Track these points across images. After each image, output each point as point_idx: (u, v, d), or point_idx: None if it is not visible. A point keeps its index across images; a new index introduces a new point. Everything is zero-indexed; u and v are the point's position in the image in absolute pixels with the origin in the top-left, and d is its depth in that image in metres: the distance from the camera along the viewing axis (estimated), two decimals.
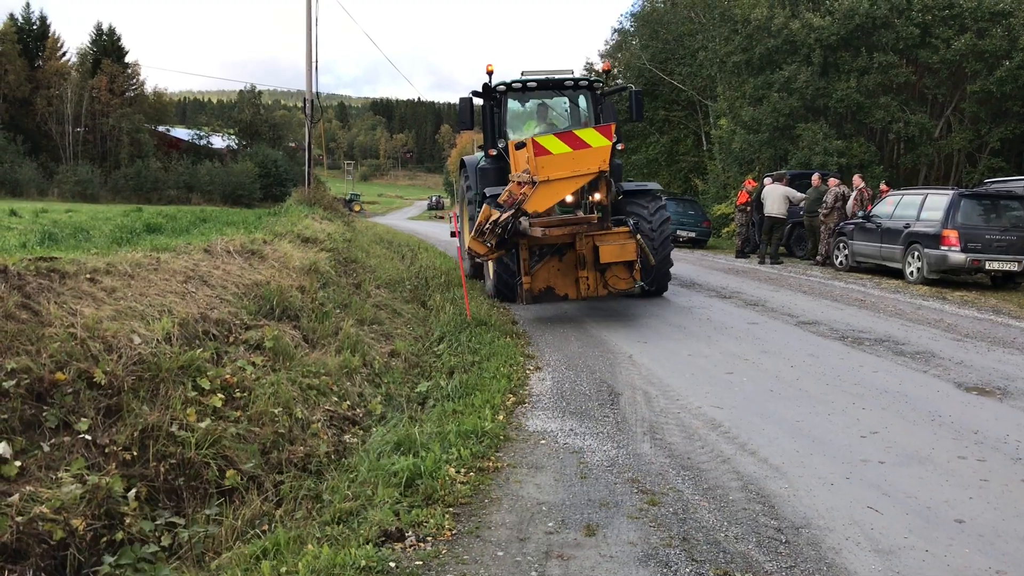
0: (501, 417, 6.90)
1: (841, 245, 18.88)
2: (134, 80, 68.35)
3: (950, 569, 4.33)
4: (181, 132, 76.00)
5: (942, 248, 15.22)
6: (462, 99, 14.08)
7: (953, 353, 9.60)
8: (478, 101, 14.38)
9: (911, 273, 16.15)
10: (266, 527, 4.85)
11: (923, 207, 16.29)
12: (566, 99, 14.92)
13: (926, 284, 15.63)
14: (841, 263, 18.82)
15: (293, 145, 77.98)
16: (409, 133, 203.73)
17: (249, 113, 73.66)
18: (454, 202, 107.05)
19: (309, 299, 9.53)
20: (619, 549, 4.52)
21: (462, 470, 5.61)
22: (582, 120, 14.41)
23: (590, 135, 10.49)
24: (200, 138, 71.84)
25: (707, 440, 6.44)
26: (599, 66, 40.50)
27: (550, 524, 4.85)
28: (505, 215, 10.48)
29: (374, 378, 8.42)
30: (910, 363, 9.08)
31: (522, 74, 14.34)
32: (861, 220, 18.12)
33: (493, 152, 14.15)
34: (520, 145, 10.97)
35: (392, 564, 4.17)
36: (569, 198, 11.12)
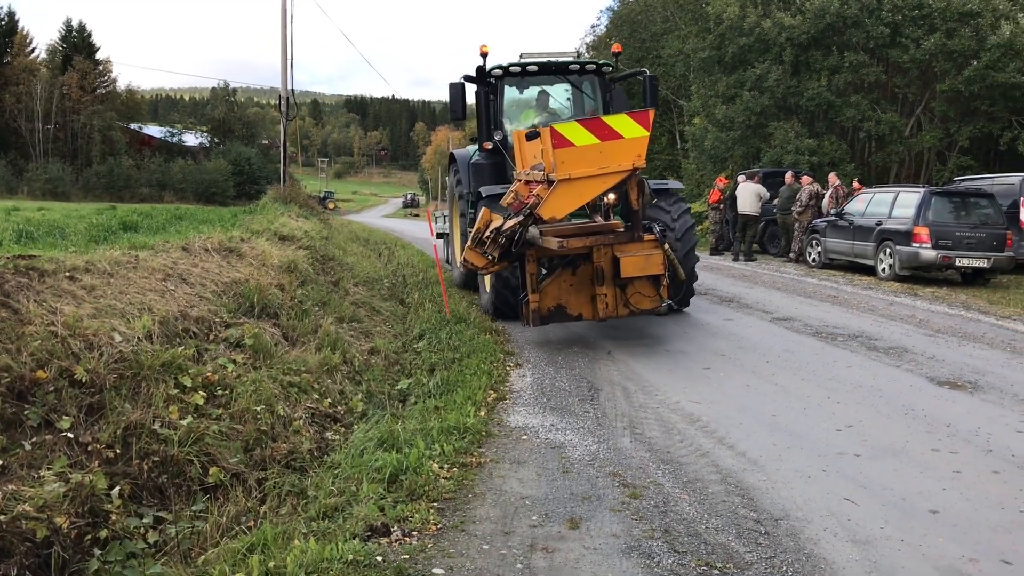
0: (483, 413, 6.96)
1: (814, 242, 19.09)
2: (105, 77, 67.72)
3: (925, 558, 4.44)
4: (153, 130, 75.36)
5: (913, 245, 15.44)
6: (452, 85, 12.48)
7: (925, 348, 9.77)
8: (471, 87, 12.77)
9: (883, 270, 16.37)
10: (252, 523, 4.87)
11: (895, 205, 16.52)
12: (569, 85, 13.21)
13: (898, 280, 15.86)
14: (814, 260, 19.03)
15: (267, 143, 77.56)
16: (383, 130, 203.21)
17: (222, 110, 73.16)
18: (429, 199, 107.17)
19: (288, 297, 9.52)
20: (602, 541, 4.59)
21: (445, 466, 5.66)
22: (587, 110, 12.76)
23: (622, 123, 8.57)
24: (173, 136, 71.33)
25: (686, 434, 6.53)
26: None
27: (534, 518, 4.91)
28: (511, 222, 8.99)
29: (354, 376, 8.44)
30: (883, 358, 9.23)
31: (520, 57, 12.87)
32: (834, 218, 18.34)
33: (489, 145, 12.48)
34: (532, 135, 9.27)
35: (379, 558, 4.21)
36: None
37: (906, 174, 28.31)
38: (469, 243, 9.43)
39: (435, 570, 4.17)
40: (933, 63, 25.22)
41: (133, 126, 69.45)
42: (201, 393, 6.23)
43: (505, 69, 12.43)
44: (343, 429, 6.99)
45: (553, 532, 4.71)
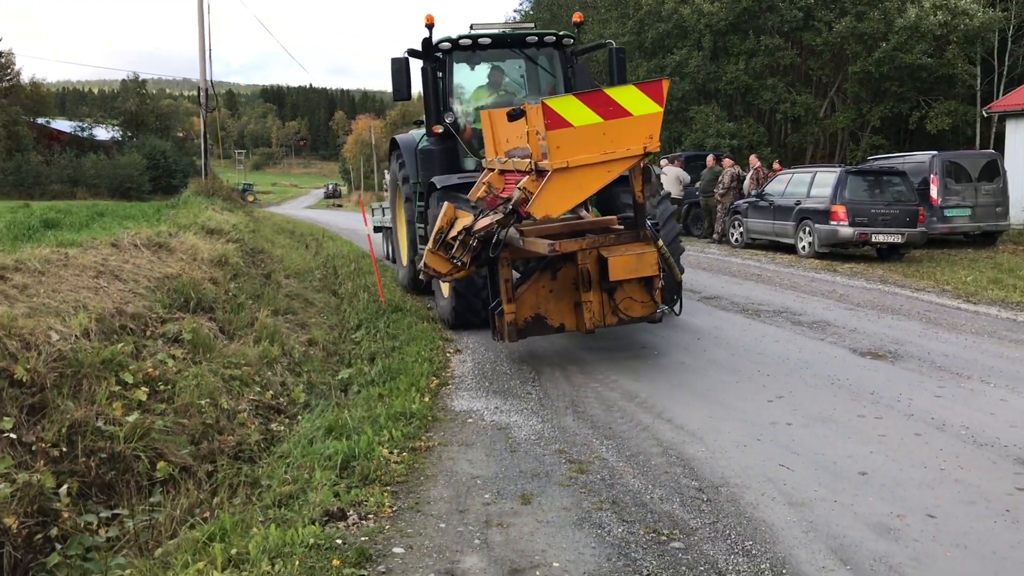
0: (427, 399, 7.05)
1: (736, 223, 19.60)
2: (8, 70, 65.07)
3: (857, 516, 4.71)
4: (62, 124, 72.67)
5: (832, 223, 16.01)
6: (395, 60, 10.81)
7: (847, 321, 10.19)
8: (417, 64, 11.14)
9: (803, 248, 16.93)
10: (207, 514, 4.90)
11: (812, 184, 17.09)
12: (522, 61, 11.66)
13: (817, 258, 16.42)
14: (736, 240, 19.54)
15: (181, 135, 75.78)
16: (302, 120, 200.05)
17: (134, 103, 71.12)
18: (352, 189, 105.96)
19: (222, 291, 9.46)
20: (555, 515, 4.76)
21: (395, 451, 5.75)
22: (543, 88, 11.39)
23: (630, 96, 7.12)
24: (83, 130, 68.99)
25: (626, 411, 6.74)
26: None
27: (487, 496, 5.05)
28: (486, 220, 7.70)
29: (294, 367, 8.44)
30: (808, 332, 9.61)
31: (471, 28, 11.20)
32: (755, 199, 18.87)
33: (439, 129, 10.91)
34: (517, 113, 7.66)
35: (339, 541, 4.30)
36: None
37: (821, 154, 29.25)
38: (430, 245, 8.20)
39: (395, 549, 4.28)
40: (845, 46, 26.09)
41: (40, 121, 66.97)
42: (143, 389, 6.19)
43: (454, 42, 10.89)
44: (287, 420, 7.02)
45: (506, 508, 4.86)
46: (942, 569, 4.09)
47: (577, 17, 11.47)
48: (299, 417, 7.01)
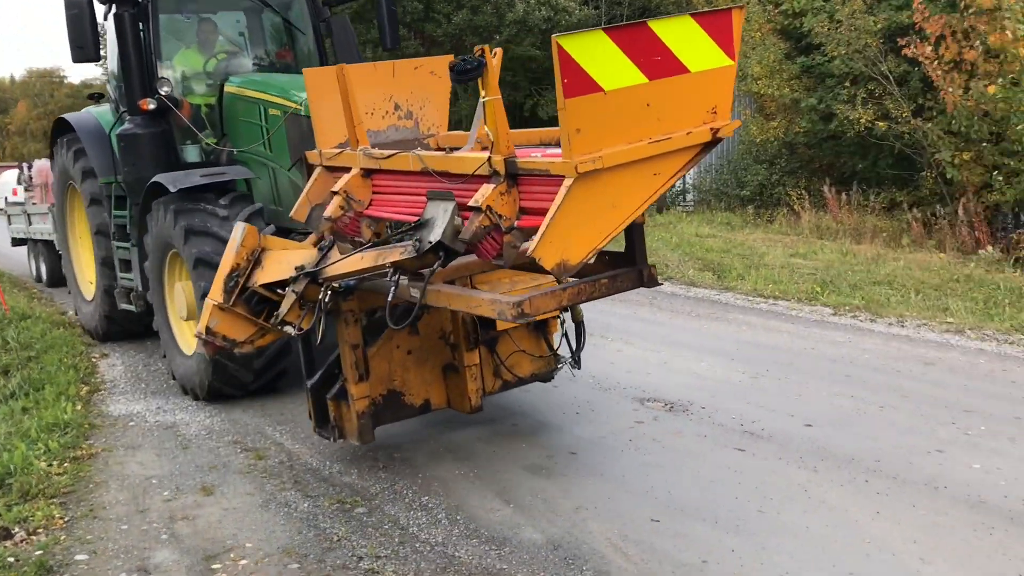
0: (80, 407, 6.69)
1: None
2: None
3: (514, 461, 5.37)
4: None
5: None
6: (72, 4, 7.27)
7: None
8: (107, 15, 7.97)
9: None
10: None
11: None
12: (244, 12, 8.54)
13: None
14: None
15: None
16: None
17: None
18: None
19: None
20: (240, 500, 4.88)
21: (55, 462, 5.47)
22: (268, 47, 8.59)
23: (685, 35, 3.76)
24: None
25: (295, 396, 6.86)
26: None
27: (166, 493, 5.04)
28: (365, 260, 4.54)
29: None
30: None
31: None
32: None
33: (149, 105, 7.49)
34: (468, 68, 4.02)
35: (12, 559, 4.09)
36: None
37: None
38: (218, 298, 5.05)
39: (78, 556, 4.18)
40: (463, 37, 27.81)
41: None
42: None
43: None
44: None
45: (189, 502, 4.89)
46: (586, 495, 4.83)
47: None
48: None
